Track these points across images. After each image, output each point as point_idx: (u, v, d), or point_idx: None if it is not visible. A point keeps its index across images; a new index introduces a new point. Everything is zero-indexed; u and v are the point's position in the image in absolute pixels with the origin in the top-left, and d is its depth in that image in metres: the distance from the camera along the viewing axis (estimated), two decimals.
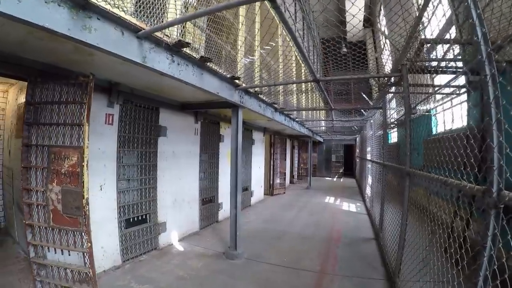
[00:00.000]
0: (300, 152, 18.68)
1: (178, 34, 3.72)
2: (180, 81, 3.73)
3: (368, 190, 10.48)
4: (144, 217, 5.38)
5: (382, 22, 17.82)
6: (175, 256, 5.41)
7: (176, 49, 3.45)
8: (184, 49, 3.57)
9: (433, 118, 9.25)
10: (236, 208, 5.42)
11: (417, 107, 7.70)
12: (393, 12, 3.99)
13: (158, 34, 3.15)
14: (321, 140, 20.84)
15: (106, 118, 4.60)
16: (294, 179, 17.57)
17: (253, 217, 8.51)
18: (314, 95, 12.22)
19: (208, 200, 7.49)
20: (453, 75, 4.80)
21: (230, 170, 5.53)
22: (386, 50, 6.05)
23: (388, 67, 6.22)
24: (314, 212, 9.29)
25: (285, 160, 14.03)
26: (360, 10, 3.58)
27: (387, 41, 5.17)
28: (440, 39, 4.17)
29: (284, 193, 13.14)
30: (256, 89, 5.92)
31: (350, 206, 10.41)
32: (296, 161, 18.13)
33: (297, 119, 10.09)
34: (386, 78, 5.35)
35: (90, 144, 4.17)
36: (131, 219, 5.09)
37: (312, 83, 6.11)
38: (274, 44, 5.99)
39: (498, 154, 1.78)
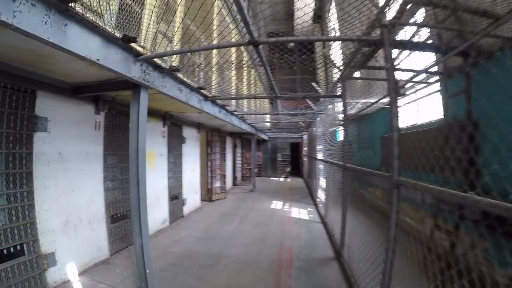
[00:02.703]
0: (243, 151, 17.14)
1: None
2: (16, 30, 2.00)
3: (320, 194, 9.21)
4: (18, 248, 3.60)
5: (332, 17, 17.01)
6: None
7: None
8: None
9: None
10: (141, 235, 3.66)
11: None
12: None
13: None
14: (266, 138, 19.53)
15: None
16: (237, 180, 15.96)
17: (183, 234, 6.75)
18: (256, 86, 10.75)
19: (121, 216, 5.58)
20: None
21: (130, 178, 3.72)
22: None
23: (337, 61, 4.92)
24: (259, 223, 7.74)
25: (225, 160, 12.36)
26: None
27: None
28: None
29: (225, 198, 11.48)
30: (173, 62, 4.22)
31: (301, 213, 9.04)
32: (239, 161, 16.54)
33: (235, 113, 8.45)
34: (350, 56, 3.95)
35: None
36: None
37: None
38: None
39: None
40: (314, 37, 2.84)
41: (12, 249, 3.56)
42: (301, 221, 8.03)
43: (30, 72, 3.75)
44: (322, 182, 8.67)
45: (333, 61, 5.08)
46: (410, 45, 3.31)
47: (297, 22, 17.93)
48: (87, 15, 2.60)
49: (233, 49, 6.64)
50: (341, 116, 9.11)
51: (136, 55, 3.50)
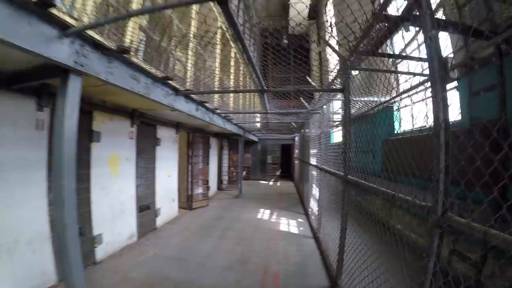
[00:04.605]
0: (231, 153, 16.06)
1: None
2: None
3: (312, 203, 8.23)
4: None
5: (329, 13, 16.15)
6: None
7: None
8: None
9: (395, 113, 7.45)
10: (71, 274, 2.62)
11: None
12: None
13: None
14: (256, 139, 18.50)
15: None
16: (223, 185, 14.88)
17: (151, 252, 5.69)
18: (245, 81, 9.74)
19: None
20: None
21: (55, 197, 2.70)
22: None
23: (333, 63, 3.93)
24: (241, 238, 6.71)
25: (209, 164, 11.28)
26: None
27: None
28: None
29: (208, 205, 10.38)
30: (125, 41, 3.21)
31: (290, 224, 8.03)
32: (226, 164, 15.47)
33: (218, 111, 7.40)
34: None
35: None
36: None
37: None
38: None
39: None
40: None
41: None
42: (290, 235, 7.04)
43: None
44: (315, 190, 7.69)
45: (334, 45, 4.07)
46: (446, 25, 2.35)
47: (292, 16, 17.19)
48: None
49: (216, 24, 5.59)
50: (336, 116, 8.19)
51: (64, 27, 2.46)
